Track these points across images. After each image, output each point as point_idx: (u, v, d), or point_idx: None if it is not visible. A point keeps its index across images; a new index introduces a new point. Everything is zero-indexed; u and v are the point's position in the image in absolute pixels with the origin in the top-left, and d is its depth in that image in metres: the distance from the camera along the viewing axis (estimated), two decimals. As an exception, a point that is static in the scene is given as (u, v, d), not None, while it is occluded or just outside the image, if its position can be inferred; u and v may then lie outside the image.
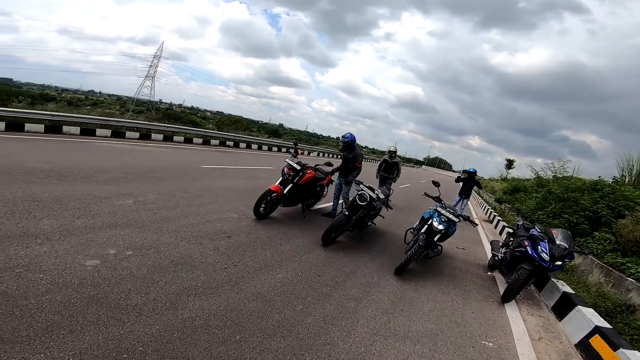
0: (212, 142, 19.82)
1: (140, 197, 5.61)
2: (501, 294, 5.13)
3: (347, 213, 5.48)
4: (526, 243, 4.92)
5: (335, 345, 2.95)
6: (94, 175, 6.33)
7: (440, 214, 5.30)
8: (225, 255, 4.15)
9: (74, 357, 2.15)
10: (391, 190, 7.87)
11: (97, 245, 3.63)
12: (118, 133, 13.99)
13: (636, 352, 3.37)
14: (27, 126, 10.84)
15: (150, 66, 63.98)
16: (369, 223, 6.47)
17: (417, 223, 6.10)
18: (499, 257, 5.86)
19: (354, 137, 6.87)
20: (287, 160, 6.21)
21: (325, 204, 7.97)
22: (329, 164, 7.29)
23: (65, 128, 11.97)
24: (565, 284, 5.35)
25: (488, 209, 16.62)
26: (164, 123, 19.74)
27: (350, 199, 5.87)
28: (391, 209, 6.77)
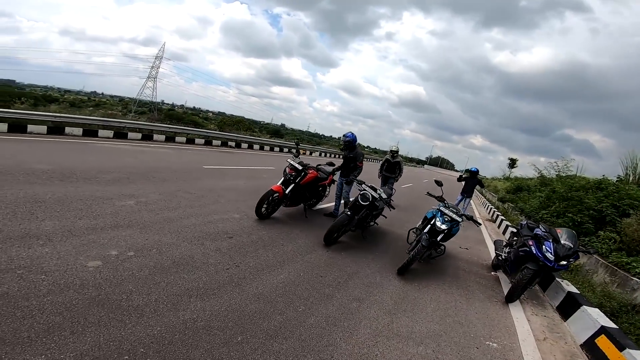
0: (214, 142, 19.84)
1: (142, 197, 5.61)
2: (505, 294, 5.09)
3: (349, 213, 5.46)
4: (530, 242, 4.88)
5: (337, 346, 2.93)
6: (96, 176, 6.33)
7: (443, 214, 5.26)
8: (227, 256, 4.14)
9: (75, 358, 2.14)
10: (393, 190, 7.84)
11: (99, 246, 3.63)
12: (120, 134, 14.03)
13: None
14: (30, 127, 10.86)
15: (152, 67, 64.17)
16: (372, 223, 6.44)
17: (420, 223, 6.07)
18: (503, 257, 5.83)
19: (355, 136, 6.84)
20: (288, 160, 6.20)
21: (327, 204, 7.94)
22: (331, 164, 7.28)
23: (67, 129, 12.00)
24: (570, 283, 5.31)
25: (491, 208, 16.55)
26: (166, 124, 19.78)
27: (352, 199, 5.84)
28: (393, 208, 6.74)
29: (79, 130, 12.33)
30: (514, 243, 5.71)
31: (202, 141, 18.95)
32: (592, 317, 4.08)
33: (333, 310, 3.53)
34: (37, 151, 8.15)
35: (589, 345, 3.90)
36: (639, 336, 4.10)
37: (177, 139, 17.29)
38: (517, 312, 4.65)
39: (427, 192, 6.23)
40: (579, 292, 5.02)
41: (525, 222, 5.88)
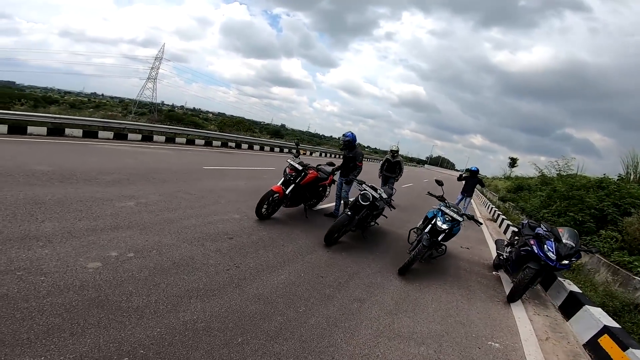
0: (214, 143, 19.84)
1: (142, 198, 5.60)
2: (507, 293, 5.07)
3: (349, 213, 5.45)
4: (532, 242, 4.86)
5: (338, 347, 2.91)
6: (96, 178, 6.33)
7: (444, 213, 5.25)
8: (227, 257, 4.13)
9: (75, 359, 2.13)
10: (394, 190, 7.83)
11: (98, 247, 3.62)
12: (120, 135, 14.04)
13: None
14: (30, 129, 10.86)
15: (152, 68, 64.18)
16: (372, 223, 6.43)
17: (421, 222, 6.05)
18: (504, 257, 5.81)
19: (355, 136, 6.83)
20: (289, 160, 6.19)
21: (328, 204, 7.93)
22: (331, 164, 7.27)
23: (67, 130, 12.01)
24: (572, 283, 5.29)
25: (492, 207, 16.53)
26: (166, 125, 19.78)
27: (351, 199, 5.82)
28: (394, 208, 6.73)
29: (79, 132, 12.34)
30: (515, 242, 5.69)
31: (202, 142, 18.95)
32: (595, 317, 4.06)
33: (334, 310, 3.51)
34: (37, 152, 8.15)
35: (592, 345, 3.88)
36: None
37: (177, 139, 17.29)
38: (519, 312, 4.63)
39: (428, 192, 6.21)
40: (581, 291, 5.00)
41: (526, 222, 5.86)
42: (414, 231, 6.00)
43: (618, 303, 4.83)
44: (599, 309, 4.31)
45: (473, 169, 11.53)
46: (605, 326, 3.83)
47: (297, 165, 6.02)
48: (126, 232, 4.16)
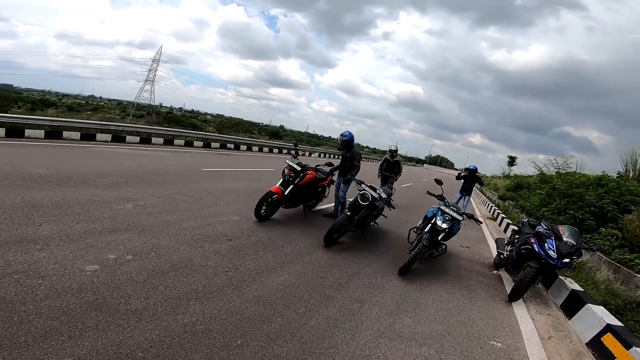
0: (213, 145, 19.81)
1: (140, 201, 5.57)
2: (508, 292, 5.05)
3: (349, 213, 5.43)
4: (532, 240, 4.84)
5: (339, 348, 2.89)
6: (94, 180, 6.30)
7: (443, 213, 5.23)
8: (226, 259, 4.10)
9: (73, 363, 2.11)
10: (393, 190, 7.82)
11: (96, 250, 3.59)
12: (118, 137, 14.00)
13: None
14: (27, 132, 10.81)
15: (150, 70, 64.03)
16: (372, 223, 6.41)
17: (421, 222, 6.04)
18: (505, 255, 5.79)
19: (353, 135, 6.82)
20: (287, 161, 6.17)
21: (327, 204, 7.91)
22: (330, 164, 7.25)
23: (65, 133, 11.97)
24: (573, 281, 5.27)
25: (491, 206, 16.54)
26: (164, 127, 19.75)
27: (351, 199, 5.80)
28: (393, 208, 6.71)
29: (76, 134, 12.31)
30: (516, 241, 5.67)
31: (201, 144, 18.92)
32: (597, 315, 4.03)
33: (334, 311, 3.49)
34: (34, 155, 8.11)
35: (595, 344, 3.86)
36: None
37: (176, 141, 17.26)
38: (521, 311, 4.61)
39: (427, 191, 6.20)
40: (582, 290, 4.98)
41: (526, 220, 5.84)
42: (413, 231, 5.99)
43: (620, 301, 4.81)
44: (601, 307, 4.28)
45: (471, 167, 11.59)
46: (608, 325, 3.80)
47: (295, 166, 6.00)
48: (124, 234, 4.13)
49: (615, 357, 3.45)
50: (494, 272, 6.21)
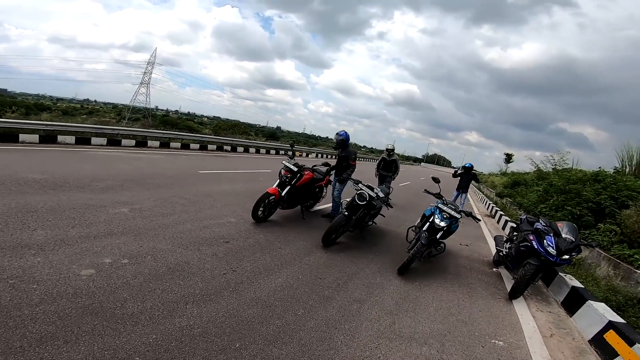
0: (209, 147, 19.75)
1: (136, 204, 5.53)
2: (508, 290, 5.04)
3: (346, 213, 5.41)
4: (531, 237, 4.83)
5: (338, 350, 2.86)
6: (89, 184, 6.25)
7: (441, 211, 5.22)
8: (223, 261, 4.07)
9: (69, 368, 2.09)
10: (391, 189, 7.81)
11: (92, 254, 3.56)
12: (114, 141, 13.90)
13: None
14: (22, 137, 10.72)
15: (145, 73, 63.80)
16: (370, 222, 6.39)
17: (419, 221, 6.02)
18: (504, 253, 5.78)
19: (348, 135, 6.80)
20: (283, 162, 6.14)
21: (325, 204, 7.89)
22: (326, 164, 7.23)
23: (60, 137, 11.87)
24: (573, 278, 5.26)
25: (489, 203, 16.59)
26: (160, 130, 19.67)
27: (348, 199, 5.78)
28: (391, 207, 6.69)
29: (71, 139, 12.20)
30: (515, 238, 5.66)
31: (197, 146, 18.85)
32: (599, 312, 4.02)
33: (333, 312, 3.46)
34: (29, 160, 8.05)
35: (598, 341, 3.83)
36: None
37: (172, 144, 17.18)
38: (522, 309, 4.60)
39: (425, 190, 6.19)
40: (583, 286, 4.96)
41: (524, 217, 5.83)
42: (412, 229, 5.97)
43: (621, 297, 4.78)
44: (603, 304, 4.27)
45: (467, 165, 11.80)
46: (610, 321, 3.78)
47: (292, 167, 5.97)
48: (120, 238, 4.10)
49: (619, 355, 3.43)
50: (494, 269, 6.20)
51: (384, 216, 6.97)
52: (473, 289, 5.03)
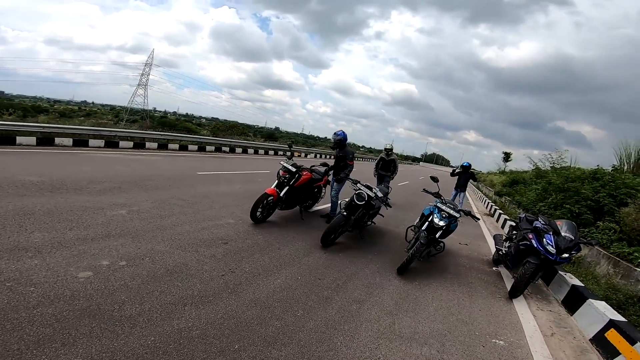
0: (208, 148, 19.72)
1: (134, 206, 5.51)
2: (508, 289, 5.03)
3: (345, 213, 5.39)
4: (530, 236, 4.82)
5: (338, 350, 2.84)
6: (86, 187, 6.23)
7: (440, 210, 5.21)
8: (222, 262, 4.05)
9: (66, 371, 2.07)
10: (389, 188, 7.80)
11: (89, 256, 3.54)
12: (111, 143, 13.89)
13: None
14: (19, 139, 10.70)
15: (142, 74, 63.81)
16: (369, 222, 6.37)
17: (418, 220, 6.01)
18: (503, 252, 5.77)
19: (346, 134, 6.80)
20: (281, 162, 6.13)
21: (324, 205, 7.87)
22: (325, 164, 7.22)
23: (57, 140, 11.85)
24: (573, 276, 5.24)
25: (488, 202, 16.60)
26: (158, 131, 19.64)
27: (347, 199, 5.76)
28: (390, 207, 6.68)
29: (69, 141, 12.18)
30: (514, 237, 5.65)
31: (196, 147, 18.84)
32: (600, 311, 3.99)
33: (333, 313, 3.44)
34: (26, 163, 8.03)
35: (599, 340, 3.81)
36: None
37: (170, 146, 17.16)
38: (522, 308, 4.58)
39: (423, 189, 6.18)
40: (583, 285, 4.94)
41: (523, 215, 5.83)
42: (411, 229, 5.95)
43: (622, 296, 4.75)
44: (603, 303, 4.24)
45: (465, 164, 11.94)
46: (611, 320, 3.76)
47: (290, 167, 5.96)
48: (118, 240, 4.07)
49: (620, 353, 3.41)
50: (493, 268, 6.19)
51: (383, 216, 6.96)
52: (473, 288, 5.01)
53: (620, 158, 11.18)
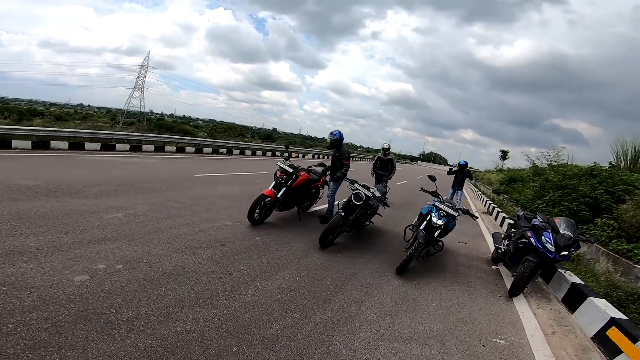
0: (205, 150, 19.66)
1: (130, 209, 5.47)
2: (508, 288, 5.01)
3: (343, 213, 5.37)
4: (529, 234, 4.80)
5: (337, 352, 2.82)
6: (82, 190, 6.18)
7: (438, 209, 5.20)
8: (219, 264, 4.02)
9: (62, 375, 2.05)
10: (387, 188, 7.79)
11: (85, 260, 3.51)
12: (108, 146, 13.83)
13: None
14: (14, 143, 10.63)
15: (138, 76, 63.65)
16: (367, 222, 6.36)
17: (416, 219, 6.00)
18: (502, 250, 5.76)
19: (342, 134, 6.79)
20: (279, 163, 6.11)
21: (322, 205, 7.84)
22: (322, 165, 7.21)
23: (53, 143, 11.79)
24: (572, 274, 5.24)
25: (486, 200, 16.63)
26: (155, 133, 19.58)
27: (344, 199, 5.75)
28: (388, 206, 6.67)
29: (64, 144, 12.13)
30: (513, 235, 5.64)
31: (193, 149, 18.76)
32: (600, 309, 3.98)
33: (331, 314, 3.42)
34: (21, 167, 7.99)
35: (601, 338, 3.79)
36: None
37: (167, 148, 17.10)
38: (522, 306, 4.56)
39: (421, 188, 6.17)
40: (583, 282, 4.94)
41: (522, 213, 5.82)
42: (409, 228, 5.93)
43: (622, 293, 4.73)
44: (604, 300, 4.23)
45: (462, 162, 12.05)
46: (612, 318, 3.74)
47: (287, 168, 5.94)
48: (114, 243, 4.04)
49: (622, 352, 3.39)
50: (493, 267, 6.18)
51: (381, 216, 6.95)
52: (472, 287, 5.00)
53: (617, 155, 11.22)
